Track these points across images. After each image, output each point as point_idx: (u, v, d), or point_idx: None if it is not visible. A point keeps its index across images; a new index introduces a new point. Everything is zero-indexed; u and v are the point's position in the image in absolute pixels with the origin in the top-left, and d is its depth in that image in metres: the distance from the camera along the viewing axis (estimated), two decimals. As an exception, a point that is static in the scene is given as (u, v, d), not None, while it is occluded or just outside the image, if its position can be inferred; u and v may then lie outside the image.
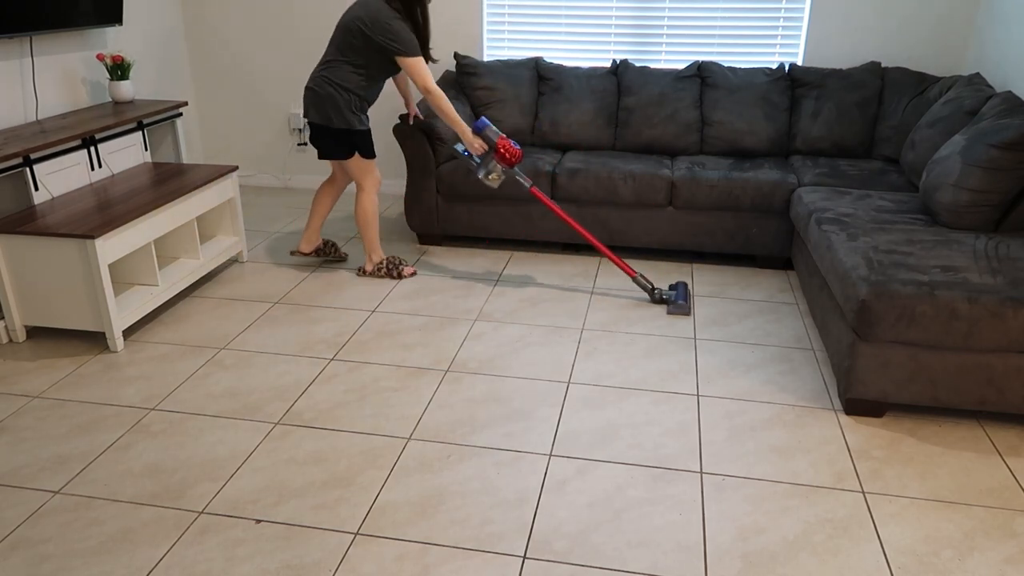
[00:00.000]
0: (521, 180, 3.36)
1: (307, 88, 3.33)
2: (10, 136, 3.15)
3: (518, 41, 4.51)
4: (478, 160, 3.29)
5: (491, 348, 3.00)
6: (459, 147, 3.35)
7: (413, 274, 3.63)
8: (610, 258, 3.37)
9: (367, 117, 3.38)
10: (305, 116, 3.38)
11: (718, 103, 4.02)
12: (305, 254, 3.74)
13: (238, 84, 4.87)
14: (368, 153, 3.41)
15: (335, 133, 3.32)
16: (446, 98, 3.23)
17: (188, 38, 4.81)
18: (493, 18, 4.49)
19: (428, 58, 3.32)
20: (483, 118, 3.26)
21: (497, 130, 3.25)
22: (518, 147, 3.25)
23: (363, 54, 3.21)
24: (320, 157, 3.43)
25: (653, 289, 3.37)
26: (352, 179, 3.51)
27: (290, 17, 4.67)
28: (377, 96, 3.39)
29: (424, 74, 3.19)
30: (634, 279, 3.37)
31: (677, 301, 3.30)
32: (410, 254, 3.94)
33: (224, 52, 4.81)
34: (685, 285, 3.46)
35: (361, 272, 3.62)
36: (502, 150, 3.21)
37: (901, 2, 4.07)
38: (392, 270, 3.60)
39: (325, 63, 3.28)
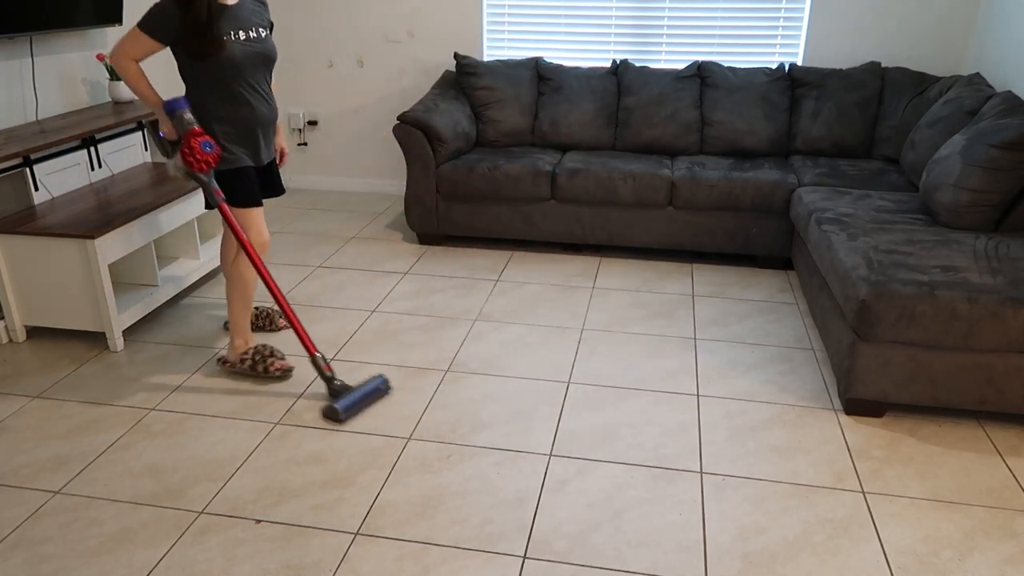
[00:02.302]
0: (211, 192, 2.53)
1: None
2: (10, 136, 3.15)
3: (518, 41, 4.51)
4: (170, 145, 2.58)
5: (491, 348, 3.00)
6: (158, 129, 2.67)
7: (284, 370, 2.73)
8: (292, 324, 2.60)
9: (237, 149, 2.58)
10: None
11: (718, 103, 4.02)
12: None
13: (238, 84, 4.87)
14: (238, 199, 2.59)
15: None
16: (139, 76, 2.51)
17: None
18: (493, 18, 4.49)
19: (208, 46, 2.44)
20: (180, 98, 2.47)
21: (192, 119, 2.47)
22: (210, 150, 2.45)
23: (180, 60, 2.53)
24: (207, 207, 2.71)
25: (332, 379, 2.60)
26: (226, 243, 2.79)
27: (289, 16, 4.67)
28: (250, 117, 2.58)
29: (129, 48, 2.44)
30: (312, 358, 2.58)
31: (337, 405, 2.51)
32: (410, 254, 3.94)
33: (224, 52, 4.80)
34: (382, 382, 2.68)
35: (221, 362, 2.80)
36: (184, 147, 2.44)
37: (901, 2, 4.07)
38: (258, 364, 2.72)
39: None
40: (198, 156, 2.45)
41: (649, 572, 1.91)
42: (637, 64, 4.27)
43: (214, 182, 2.53)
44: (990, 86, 3.50)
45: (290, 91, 4.84)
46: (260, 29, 2.58)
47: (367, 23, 4.59)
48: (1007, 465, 2.34)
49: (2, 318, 3.00)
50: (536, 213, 3.87)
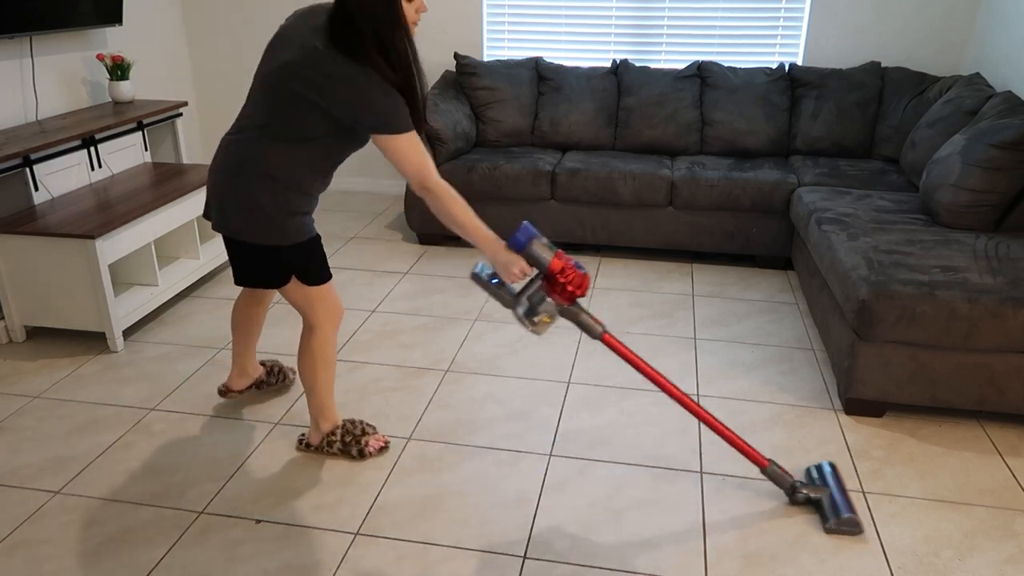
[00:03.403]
0: (590, 322, 2.00)
1: (212, 170, 2.04)
2: (10, 136, 3.15)
3: (518, 41, 4.51)
4: (514, 290, 1.98)
5: (491, 348, 3.00)
6: (483, 268, 2.03)
7: (383, 448, 2.37)
8: (734, 443, 2.11)
9: (311, 218, 2.10)
10: (206, 217, 2.11)
11: (718, 103, 4.02)
12: (239, 392, 2.60)
13: (238, 84, 4.87)
14: (314, 276, 2.12)
15: (255, 251, 2.05)
16: (459, 198, 2.00)
17: (188, 38, 4.81)
18: (493, 18, 4.49)
19: (422, 125, 1.98)
20: (527, 224, 1.92)
21: (549, 243, 1.92)
22: (584, 271, 1.93)
23: (309, 125, 1.90)
24: (237, 282, 2.17)
25: (793, 489, 2.14)
26: (296, 310, 2.22)
27: (290, 17, 4.67)
28: (327, 184, 2.12)
29: (419, 159, 1.94)
30: (764, 470, 2.13)
31: (841, 515, 2.05)
32: (410, 254, 3.94)
33: (224, 52, 4.81)
34: (833, 469, 2.22)
35: (305, 446, 2.38)
36: (561, 279, 1.89)
37: (901, 2, 4.07)
38: (351, 445, 2.33)
39: (240, 130, 1.99)
40: (579, 281, 1.90)
41: (649, 572, 1.91)
42: (637, 64, 4.27)
43: (584, 307, 2.03)
44: (990, 86, 3.50)
45: (290, 91, 4.83)
46: None
47: (367, 23, 4.58)
48: (1007, 465, 2.34)
49: (2, 318, 3.00)
50: (536, 213, 3.87)
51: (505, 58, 4.46)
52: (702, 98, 4.08)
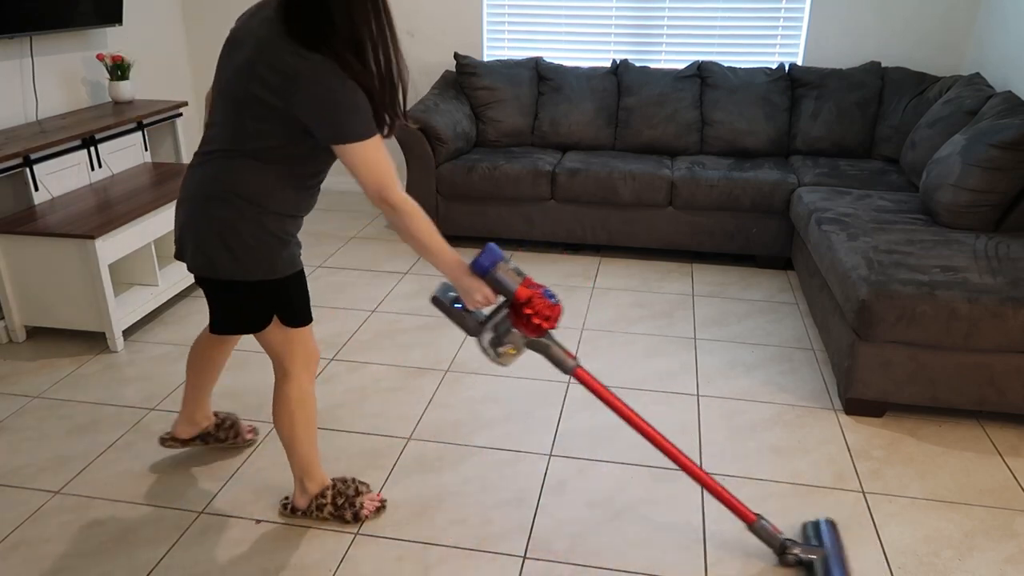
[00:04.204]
0: (561, 356, 1.85)
1: (179, 203, 1.79)
2: (10, 136, 3.15)
3: (518, 41, 4.51)
4: (481, 316, 1.83)
5: (491, 348, 3.00)
6: (444, 290, 1.88)
7: (380, 509, 2.11)
8: (722, 497, 1.91)
9: (298, 246, 1.86)
10: (179, 258, 1.83)
11: (718, 103, 4.02)
12: (184, 441, 2.28)
13: (238, 84, 4.86)
14: (298, 317, 1.88)
15: (238, 289, 1.78)
16: (425, 216, 1.74)
17: (188, 38, 4.80)
18: (493, 18, 4.49)
19: (394, 123, 1.71)
20: (492, 246, 1.75)
21: (518, 268, 1.78)
22: (555, 300, 1.77)
23: (277, 135, 1.66)
24: (216, 330, 1.88)
25: (783, 548, 1.91)
26: (270, 355, 1.93)
27: (290, 17, 4.66)
28: (314, 201, 1.88)
29: (382, 169, 1.67)
30: (751, 526, 1.92)
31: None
32: (410, 254, 3.94)
33: (224, 52, 4.80)
34: (831, 527, 1.99)
35: (290, 509, 2.09)
36: (527, 310, 1.74)
37: (901, 2, 4.07)
38: (344, 508, 2.06)
39: (206, 152, 1.74)
40: (547, 313, 1.74)
41: (649, 572, 1.91)
42: (637, 64, 4.27)
43: (555, 339, 1.86)
44: (990, 86, 3.50)
45: (290, 91, 4.83)
46: None
47: (367, 23, 4.58)
48: (1007, 465, 2.34)
49: (2, 318, 2.99)
50: (536, 213, 3.87)
51: (505, 58, 4.46)
52: (702, 98, 4.08)
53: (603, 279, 3.67)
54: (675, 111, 4.03)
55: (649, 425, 1.89)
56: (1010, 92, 3.21)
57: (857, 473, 2.29)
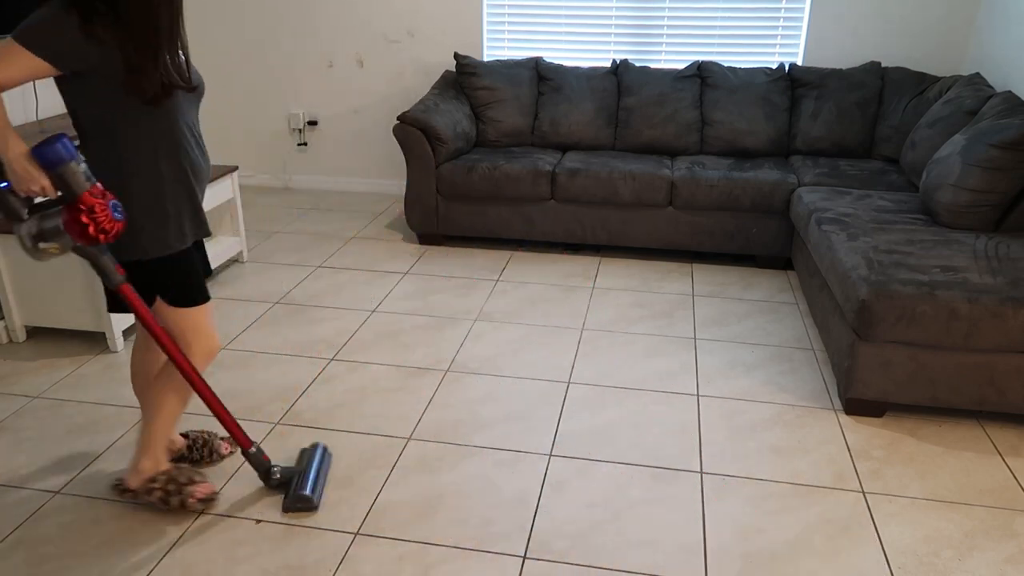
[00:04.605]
0: (110, 268, 1.80)
1: None
2: (10, 136, 3.14)
3: (518, 41, 4.51)
4: (26, 201, 1.72)
5: (491, 348, 3.00)
6: None
7: (207, 498, 2.10)
8: (224, 419, 2.05)
9: (197, 222, 1.89)
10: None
11: (718, 103, 4.02)
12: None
13: (238, 84, 4.87)
14: (190, 293, 1.91)
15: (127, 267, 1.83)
16: None
17: (188, 38, 4.80)
18: (493, 18, 4.49)
19: (154, 93, 1.70)
20: (65, 140, 1.66)
21: (88, 172, 1.69)
22: (120, 216, 1.72)
23: (88, 97, 1.70)
24: (110, 309, 1.99)
25: (269, 471, 2.15)
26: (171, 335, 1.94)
27: (290, 17, 4.67)
28: (196, 160, 1.86)
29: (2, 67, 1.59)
30: (245, 452, 2.11)
31: (306, 492, 2.11)
32: (410, 254, 3.94)
33: (224, 52, 4.81)
34: (324, 451, 2.29)
35: (119, 490, 2.13)
36: (85, 217, 1.67)
37: (901, 2, 4.07)
38: (171, 496, 2.06)
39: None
40: (106, 226, 1.69)
41: (649, 572, 1.91)
42: (637, 64, 4.27)
43: (109, 255, 1.80)
44: (990, 86, 3.50)
45: (290, 91, 4.84)
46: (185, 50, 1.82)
47: (367, 23, 4.59)
48: (1007, 465, 2.34)
49: (2, 318, 3.00)
50: (536, 213, 3.87)
51: (505, 58, 4.46)
52: (702, 98, 4.08)
53: (603, 279, 3.67)
54: (675, 111, 4.03)
55: (182, 357, 1.94)
56: (1010, 92, 3.21)
57: (857, 473, 2.29)
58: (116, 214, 1.71)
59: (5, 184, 1.67)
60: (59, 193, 1.68)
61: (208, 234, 1.95)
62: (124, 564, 1.92)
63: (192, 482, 2.09)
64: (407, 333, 3.12)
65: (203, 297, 1.95)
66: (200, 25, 4.76)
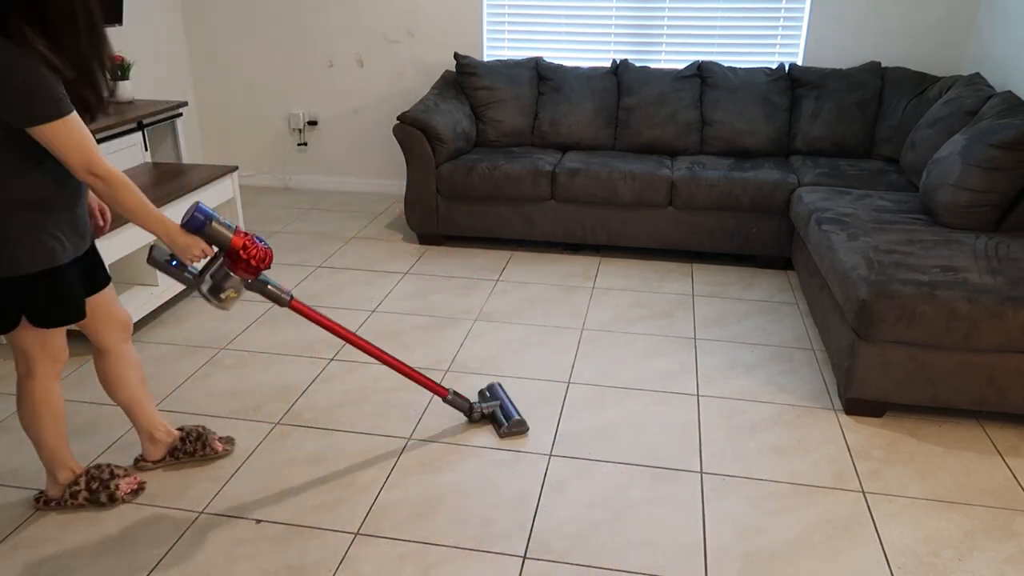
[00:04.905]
0: (277, 292, 2.08)
1: None
2: (10, 136, 3.14)
3: (518, 41, 4.51)
4: (194, 270, 1.99)
5: (491, 348, 3.00)
6: (159, 251, 1.99)
7: (136, 489, 2.16)
8: (413, 377, 2.35)
9: (64, 240, 1.81)
10: None
11: (718, 103, 4.02)
12: (155, 463, 2.28)
13: (238, 84, 4.87)
14: (42, 316, 1.86)
15: None
16: (132, 184, 1.78)
17: (188, 38, 4.81)
18: (493, 18, 4.49)
19: (99, 103, 1.80)
20: (201, 205, 1.91)
21: (227, 221, 1.95)
22: (266, 244, 2.00)
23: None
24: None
25: (471, 408, 2.48)
26: (16, 355, 1.94)
27: (290, 17, 4.67)
28: (75, 193, 1.84)
29: (84, 145, 1.67)
30: (445, 399, 2.43)
31: (512, 417, 2.46)
32: (410, 254, 3.94)
33: (224, 52, 4.81)
34: (500, 387, 2.62)
35: (43, 502, 2.12)
36: (243, 254, 1.94)
37: (901, 2, 4.07)
38: (99, 491, 2.10)
39: None
40: (262, 255, 1.97)
41: (649, 572, 1.91)
42: (637, 64, 4.27)
43: (270, 278, 2.09)
44: (990, 86, 3.50)
45: (290, 91, 4.84)
46: None
47: (367, 23, 4.59)
48: (1007, 465, 2.34)
49: (2, 318, 2.99)
50: (536, 213, 3.87)
51: (505, 58, 4.46)
52: (702, 98, 4.08)
53: (603, 279, 3.67)
54: (675, 111, 4.03)
55: (363, 339, 2.24)
56: (1010, 92, 3.21)
57: (857, 473, 2.29)
58: (263, 243, 1.99)
59: (175, 261, 1.96)
60: (215, 249, 1.94)
61: (85, 248, 1.93)
62: (124, 564, 1.92)
63: (115, 476, 2.13)
64: (407, 333, 3.12)
65: (64, 317, 1.92)
66: (201, 26, 4.76)
